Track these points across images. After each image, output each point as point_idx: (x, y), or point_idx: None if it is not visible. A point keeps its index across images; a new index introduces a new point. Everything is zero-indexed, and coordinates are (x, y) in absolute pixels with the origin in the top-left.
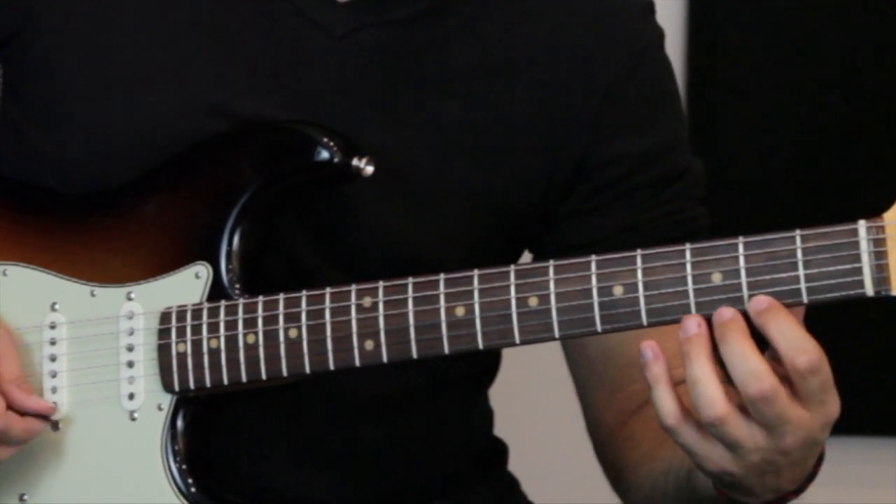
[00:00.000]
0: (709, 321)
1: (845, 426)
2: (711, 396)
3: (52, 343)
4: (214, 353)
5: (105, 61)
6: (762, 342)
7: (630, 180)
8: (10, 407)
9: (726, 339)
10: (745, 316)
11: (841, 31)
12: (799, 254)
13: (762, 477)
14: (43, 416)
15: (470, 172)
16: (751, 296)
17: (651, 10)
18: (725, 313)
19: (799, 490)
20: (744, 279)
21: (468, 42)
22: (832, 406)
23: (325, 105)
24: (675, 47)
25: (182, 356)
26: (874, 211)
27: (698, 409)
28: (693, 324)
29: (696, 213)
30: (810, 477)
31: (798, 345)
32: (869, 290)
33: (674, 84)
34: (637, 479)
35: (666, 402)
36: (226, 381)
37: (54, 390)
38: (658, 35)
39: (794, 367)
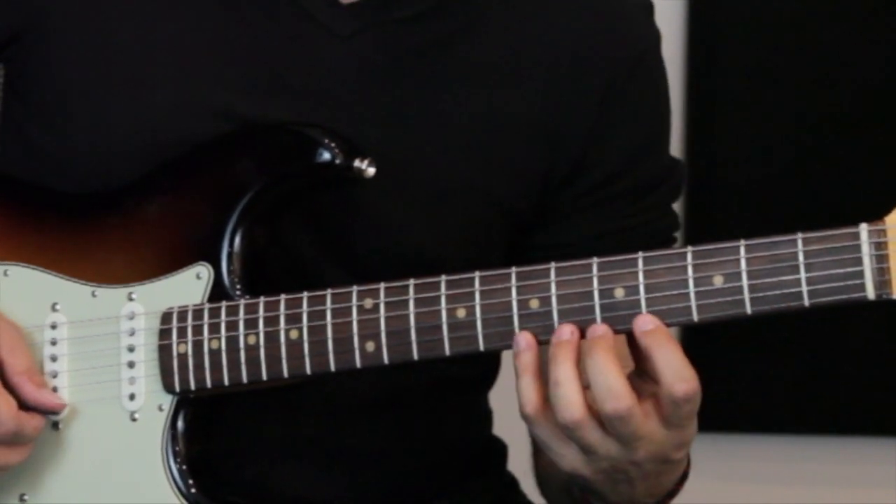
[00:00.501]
0: (583, 333)
1: (845, 426)
2: (570, 400)
3: (53, 343)
4: (215, 354)
5: (108, 62)
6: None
7: (615, 183)
8: (20, 401)
9: (591, 353)
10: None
11: (841, 31)
12: (800, 257)
13: (615, 485)
14: (47, 412)
15: (472, 171)
16: (751, 299)
17: (651, 12)
18: (598, 329)
19: None
20: (745, 282)
21: (471, 41)
22: (690, 430)
23: (329, 105)
24: (675, 47)
25: (183, 357)
26: (874, 211)
27: (556, 410)
28: (566, 331)
29: (669, 221)
30: (670, 494)
31: (679, 373)
32: (870, 293)
33: (666, 87)
34: (542, 468)
35: (528, 392)
36: (226, 382)
37: (55, 390)
38: (656, 37)
39: (671, 394)
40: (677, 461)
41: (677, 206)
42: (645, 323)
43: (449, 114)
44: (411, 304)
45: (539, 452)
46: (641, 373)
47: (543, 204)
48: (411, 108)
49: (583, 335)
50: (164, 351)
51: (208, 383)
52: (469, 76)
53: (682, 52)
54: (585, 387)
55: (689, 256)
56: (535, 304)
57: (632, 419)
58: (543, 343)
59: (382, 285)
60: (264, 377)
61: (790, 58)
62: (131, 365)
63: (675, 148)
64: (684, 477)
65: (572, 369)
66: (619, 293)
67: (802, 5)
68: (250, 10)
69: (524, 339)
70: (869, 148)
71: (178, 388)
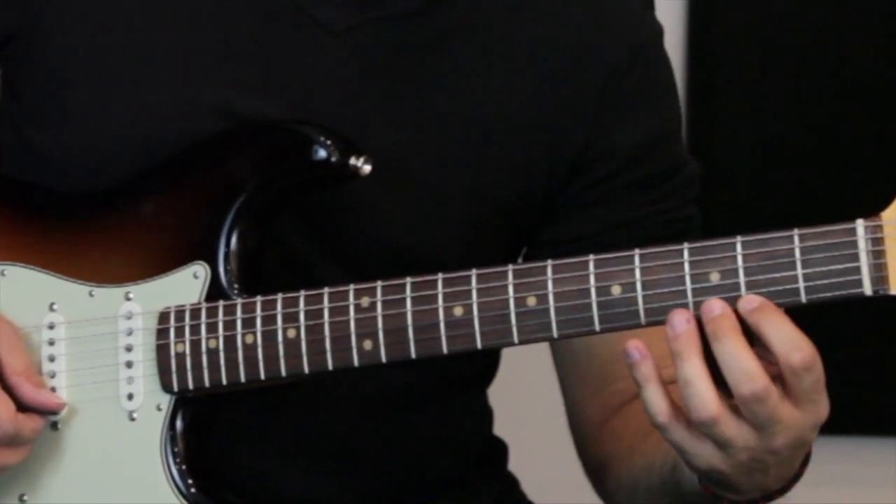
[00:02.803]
0: (697, 317)
1: (845, 426)
2: (704, 397)
3: (51, 343)
4: (213, 354)
5: (105, 61)
6: (749, 336)
7: (625, 175)
8: (19, 402)
9: (718, 336)
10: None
11: (841, 31)
12: (797, 253)
13: (750, 475)
14: (46, 412)
15: (471, 168)
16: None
17: (650, 5)
18: (716, 307)
19: (784, 490)
20: (742, 278)
21: (468, 37)
22: (823, 406)
23: (326, 102)
24: (675, 47)
25: (181, 356)
26: (870, 207)
27: (690, 410)
28: (682, 320)
29: (688, 212)
30: (796, 476)
31: (793, 343)
32: (867, 289)
33: (672, 80)
34: (619, 474)
35: (657, 401)
36: (224, 382)
37: (53, 391)
38: (657, 31)
39: (789, 365)
40: (809, 442)
41: None
42: (749, 302)
43: (446, 110)
44: (408, 302)
45: (612, 464)
46: (762, 356)
47: (550, 200)
48: (407, 104)
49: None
50: (161, 351)
51: (206, 383)
52: (466, 72)
53: (682, 51)
54: (670, 382)
55: (686, 253)
56: (532, 301)
57: (769, 399)
58: (540, 341)
59: (379, 284)
60: (262, 376)
61: (789, 56)
62: (129, 365)
63: None
64: (807, 458)
65: (700, 363)
66: (616, 290)
67: (802, 6)
68: (246, 6)
69: (638, 351)
70: (866, 144)
71: (176, 388)
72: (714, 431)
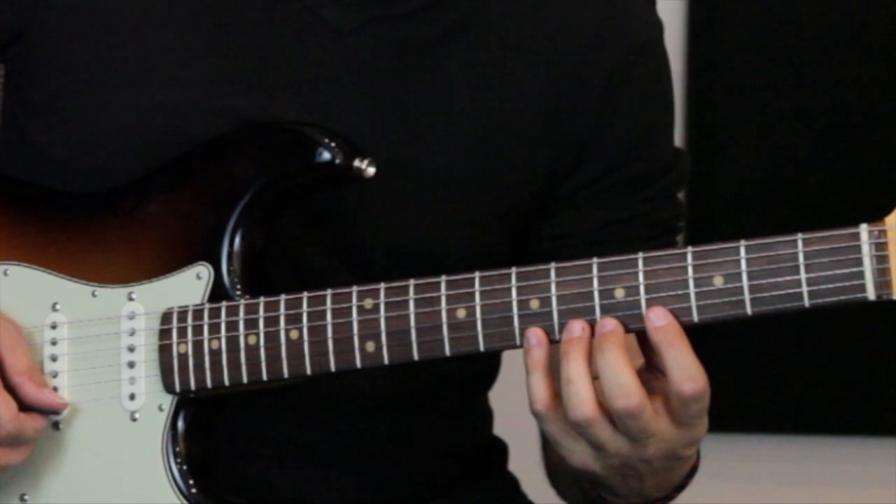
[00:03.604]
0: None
1: (845, 426)
2: (582, 397)
3: (53, 343)
4: (215, 354)
5: (110, 61)
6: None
7: (618, 172)
8: (21, 401)
9: (602, 349)
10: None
11: (841, 31)
12: (800, 257)
13: (625, 479)
14: (48, 412)
15: (475, 166)
16: (751, 300)
17: (652, 2)
18: (608, 324)
19: (666, 498)
20: (745, 283)
21: (472, 36)
22: (701, 428)
23: (331, 102)
24: (675, 47)
25: (183, 357)
26: (875, 212)
27: (567, 408)
28: (577, 327)
29: (675, 210)
30: (679, 487)
31: (688, 372)
32: (870, 294)
33: (669, 78)
34: (550, 454)
35: (539, 389)
36: (227, 382)
37: (55, 390)
38: (658, 29)
39: (679, 392)
40: (687, 457)
41: None
42: (657, 318)
43: (451, 109)
44: (411, 304)
45: (549, 446)
46: (652, 368)
47: (550, 196)
48: (413, 103)
49: (593, 331)
50: (164, 351)
51: (209, 383)
52: (470, 71)
53: (682, 51)
54: (594, 377)
55: (690, 257)
56: (535, 304)
57: (642, 416)
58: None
59: (382, 285)
60: (264, 377)
61: (790, 57)
62: (131, 365)
63: None
64: (693, 470)
65: (584, 367)
66: (620, 293)
67: (802, 5)
68: (252, 6)
69: (535, 336)
70: (869, 148)
71: (178, 388)
72: (588, 433)
